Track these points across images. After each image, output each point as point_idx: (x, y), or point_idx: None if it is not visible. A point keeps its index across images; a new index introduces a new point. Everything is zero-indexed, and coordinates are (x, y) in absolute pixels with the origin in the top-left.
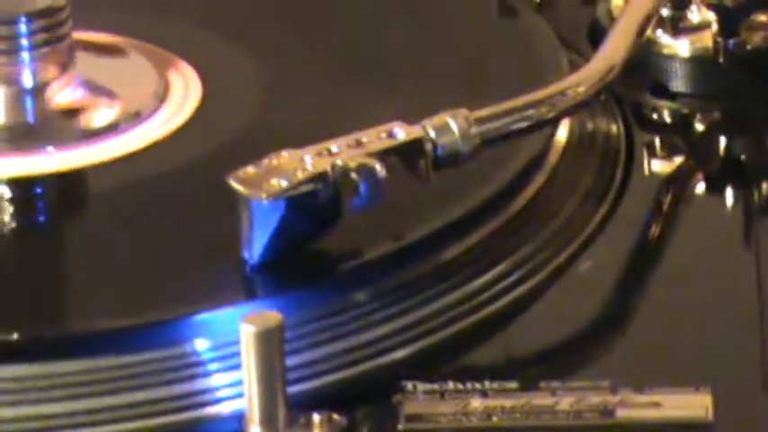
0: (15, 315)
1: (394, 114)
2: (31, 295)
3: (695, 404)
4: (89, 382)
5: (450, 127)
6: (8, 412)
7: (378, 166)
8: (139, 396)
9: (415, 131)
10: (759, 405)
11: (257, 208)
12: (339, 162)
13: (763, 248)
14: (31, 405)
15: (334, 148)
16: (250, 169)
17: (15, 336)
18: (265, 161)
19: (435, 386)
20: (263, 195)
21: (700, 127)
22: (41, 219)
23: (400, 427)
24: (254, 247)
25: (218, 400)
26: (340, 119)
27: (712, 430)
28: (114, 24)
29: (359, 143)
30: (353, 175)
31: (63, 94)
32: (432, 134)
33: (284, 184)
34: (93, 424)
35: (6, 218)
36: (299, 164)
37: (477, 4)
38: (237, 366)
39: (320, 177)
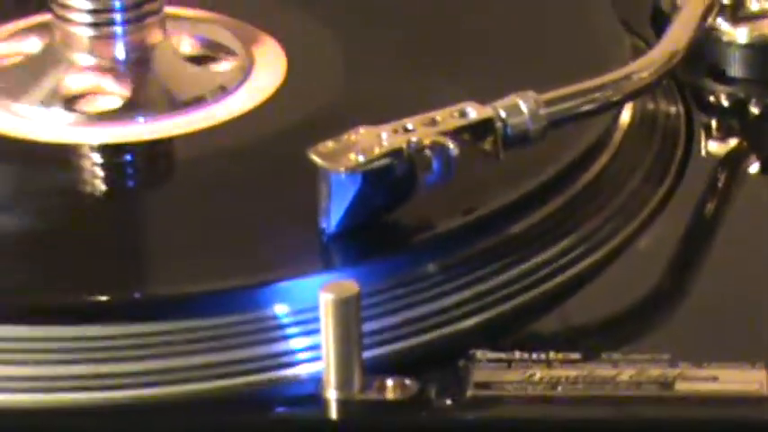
0: (109, 277)
1: (466, 94)
2: (123, 258)
3: (751, 379)
4: (177, 343)
5: (519, 108)
6: (104, 368)
7: (450, 144)
8: (222, 357)
9: (487, 111)
10: None
11: (336, 180)
12: (414, 139)
13: None
14: (122, 362)
15: (409, 126)
16: (330, 143)
17: (107, 297)
18: (344, 136)
19: (502, 355)
20: (342, 169)
21: (755, 110)
22: (131, 184)
23: (468, 393)
24: (332, 218)
25: (297, 363)
26: (415, 98)
27: (766, 404)
28: (203, 1)
29: (433, 122)
30: (427, 152)
31: (154, 67)
32: (502, 114)
33: (361, 158)
34: (179, 381)
35: (98, 182)
36: (376, 140)
37: None
38: (316, 331)
39: (396, 153)
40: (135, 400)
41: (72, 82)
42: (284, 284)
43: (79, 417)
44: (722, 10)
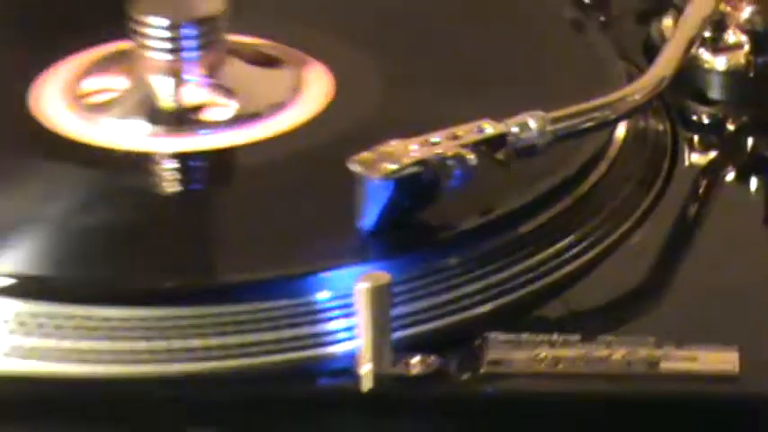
0: (177, 266)
1: (483, 113)
2: (189, 250)
3: (725, 359)
4: (239, 323)
5: (528, 125)
6: (176, 344)
7: (469, 155)
8: (273, 335)
9: (500, 127)
10: None
11: (371, 186)
12: (438, 151)
13: None
14: (188, 339)
15: (435, 139)
16: (366, 154)
17: (175, 284)
18: (379, 148)
19: (512, 337)
20: (376, 176)
21: (731, 127)
22: (196, 187)
23: (483, 369)
24: (368, 218)
25: (336, 342)
26: (440, 115)
27: (738, 381)
28: (260, 29)
29: (455, 136)
30: (450, 162)
31: (216, 87)
32: (514, 130)
33: (393, 167)
34: (238, 356)
35: (170, 184)
36: (406, 151)
37: (552, 23)
38: (352, 315)
39: (423, 163)
40: (203, 372)
41: (151, 99)
42: (327, 274)
43: (161, 385)
44: (704, 42)
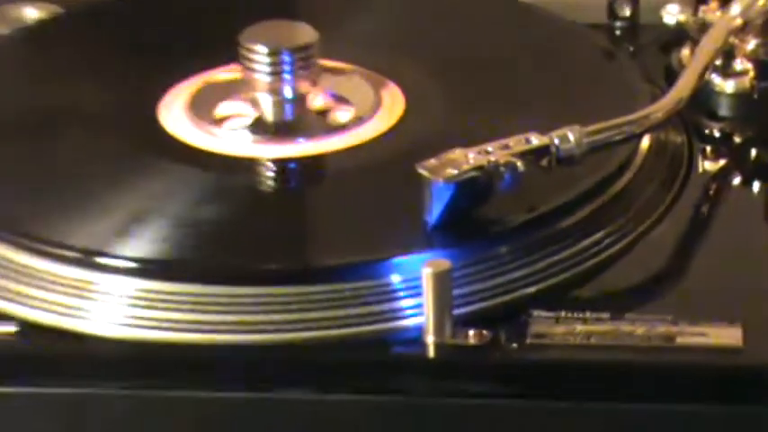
0: (278, 251)
1: (531, 127)
2: (288, 238)
3: (731, 335)
4: (327, 300)
5: (568, 137)
6: (276, 317)
7: (518, 163)
8: (356, 311)
9: (544, 139)
10: None
11: (436, 187)
12: (492, 159)
13: None
14: (287, 313)
15: (489, 149)
16: (432, 161)
17: (276, 266)
18: (443, 155)
19: (552, 314)
20: (441, 179)
21: (738, 140)
22: (294, 186)
23: (528, 341)
24: (432, 215)
25: (407, 317)
26: (495, 129)
27: (742, 353)
28: (346, 56)
29: (506, 146)
30: (501, 168)
31: (310, 103)
32: (556, 141)
33: (455, 172)
34: (326, 328)
35: (271, 184)
36: (466, 159)
37: (589, 52)
38: (420, 294)
39: (479, 169)
40: (296, 341)
41: (256, 113)
42: (399, 260)
43: (262, 351)
44: (716, 69)
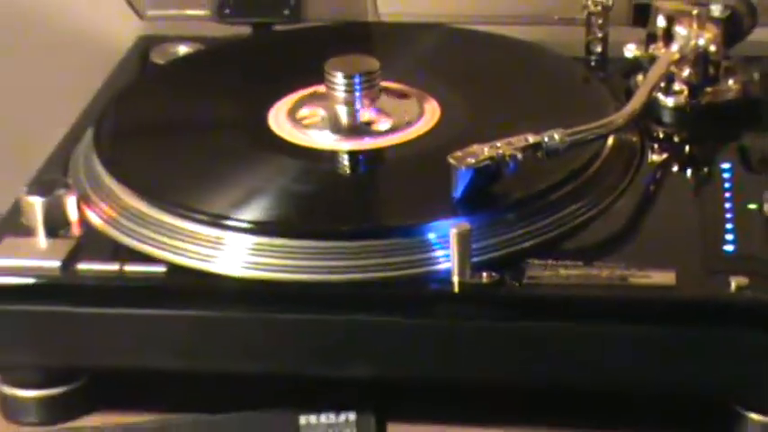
0: (350, 215)
1: (528, 129)
2: (357, 206)
3: (668, 277)
4: (383, 251)
5: (554, 136)
6: (351, 263)
7: (519, 155)
8: (406, 258)
9: (537, 138)
10: (704, 281)
11: (460, 172)
12: (500, 151)
13: (703, 194)
14: (354, 260)
15: (498, 144)
16: (458, 153)
17: (349, 226)
18: (465, 149)
19: (542, 262)
20: (463, 166)
21: (676, 140)
22: (362, 170)
23: (525, 281)
24: (457, 192)
25: (439, 263)
26: (503, 131)
27: (674, 290)
28: (400, 77)
29: (510, 143)
30: (507, 158)
31: (374, 111)
32: (546, 139)
33: (473, 160)
34: (384, 270)
35: (348, 170)
36: (481, 151)
37: (571, 78)
38: (448, 247)
39: (491, 159)
40: (363, 280)
41: (336, 120)
42: (435, 223)
43: (342, 287)
44: (660, 89)
